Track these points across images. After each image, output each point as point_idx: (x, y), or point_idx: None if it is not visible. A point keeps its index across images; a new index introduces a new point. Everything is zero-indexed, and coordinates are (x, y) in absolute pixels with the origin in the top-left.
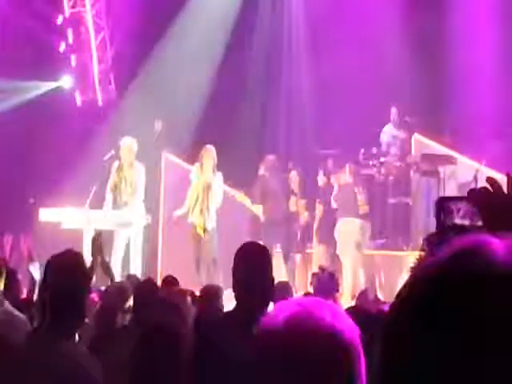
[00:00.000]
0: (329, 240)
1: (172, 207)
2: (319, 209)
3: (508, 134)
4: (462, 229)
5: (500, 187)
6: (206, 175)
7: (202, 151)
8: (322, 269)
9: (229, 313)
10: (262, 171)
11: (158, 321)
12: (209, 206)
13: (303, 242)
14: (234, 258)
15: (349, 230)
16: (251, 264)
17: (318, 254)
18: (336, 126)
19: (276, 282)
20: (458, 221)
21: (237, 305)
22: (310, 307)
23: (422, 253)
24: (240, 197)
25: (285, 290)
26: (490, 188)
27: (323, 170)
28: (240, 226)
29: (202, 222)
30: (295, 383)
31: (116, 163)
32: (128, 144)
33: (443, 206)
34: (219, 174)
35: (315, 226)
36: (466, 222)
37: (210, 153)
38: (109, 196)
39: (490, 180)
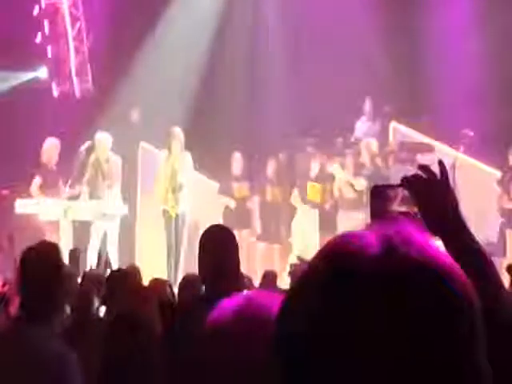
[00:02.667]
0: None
1: (149, 197)
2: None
3: (484, 121)
4: (400, 214)
5: (433, 174)
6: (174, 158)
7: (169, 135)
8: (301, 259)
9: (198, 297)
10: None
11: (122, 310)
12: (178, 187)
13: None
14: (200, 241)
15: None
16: (217, 247)
17: (297, 244)
18: (313, 114)
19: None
20: (395, 207)
21: (205, 289)
22: (256, 299)
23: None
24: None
25: (272, 278)
26: (423, 174)
27: (305, 158)
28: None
29: (173, 203)
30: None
31: (92, 157)
32: (103, 139)
33: (378, 193)
34: (188, 155)
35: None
36: (403, 209)
37: (176, 135)
38: (85, 188)
39: (422, 167)
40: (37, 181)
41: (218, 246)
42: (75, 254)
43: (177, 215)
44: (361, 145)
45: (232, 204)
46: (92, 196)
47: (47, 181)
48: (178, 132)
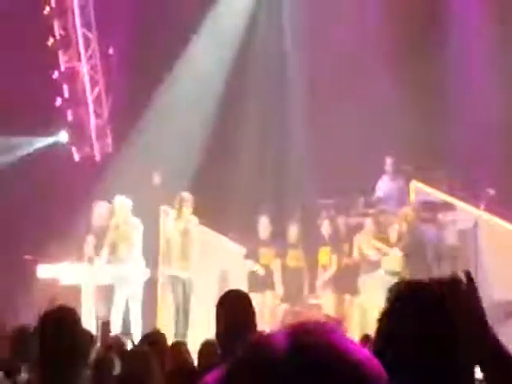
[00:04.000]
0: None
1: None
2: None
3: (504, 178)
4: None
5: (474, 285)
6: (183, 221)
7: (178, 199)
8: (330, 319)
9: (217, 364)
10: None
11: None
12: (188, 251)
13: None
14: (216, 307)
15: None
16: (233, 313)
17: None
18: (334, 175)
19: None
20: None
21: (220, 355)
22: None
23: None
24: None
25: None
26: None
27: (328, 219)
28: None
29: (181, 267)
30: None
31: (113, 221)
32: (122, 203)
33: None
34: (195, 219)
35: (328, 275)
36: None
37: (187, 200)
38: (105, 251)
39: (467, 274)
40: (91, 241)
41: (234, 311)
42: (107, 327)
43: (184, 279)
44: (398, 214)
45: (257, 268)
46: (113, 259)
47: (99, 242)
48: (188, 197)
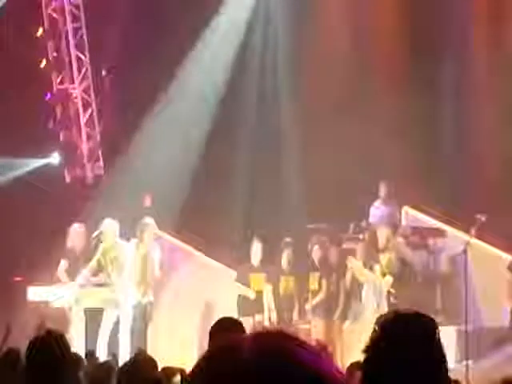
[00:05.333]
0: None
1: (161, 284)
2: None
3: (495, 205)
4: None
5: None
6: (145, 248)
7: (140, 226)
8: (319, 344)
9: None
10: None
11: None
12: (149, 277)
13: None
14: (210, 332)
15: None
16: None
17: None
18: (326, 201)
19: None
20: None
21: None
22: None
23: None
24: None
25: None
26: None
27: (318, 244)
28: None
29: (143, 291)
30: None
31: (101, 245)
32: (109, 226)
33: None
34: (157, 245)
35: (316, 300)
36: None
37: (151, 226)
38: (89, 273)
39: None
40: (63, 265)
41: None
42: (93, 355)
43: (145, 304)
44: (378, 233)
45: (248, 292)
46: (102, 282)
47: (72, 266)
48: (152, 224)
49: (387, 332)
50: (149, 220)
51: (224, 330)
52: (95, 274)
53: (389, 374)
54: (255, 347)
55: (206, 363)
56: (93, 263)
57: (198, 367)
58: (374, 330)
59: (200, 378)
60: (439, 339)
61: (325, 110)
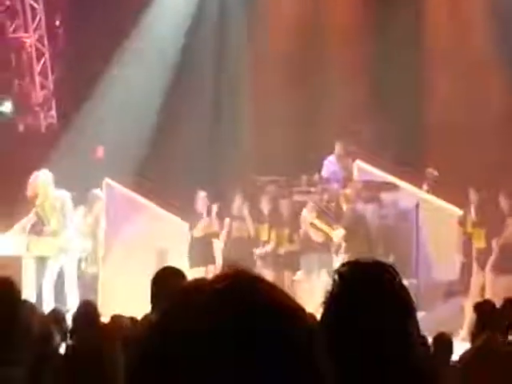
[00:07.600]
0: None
1: (113, 234)
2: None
3: (447, 160)
4: None
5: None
6: (92, 218)
7: (91, 196)
8: None
9: None
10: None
11: (84, 346)
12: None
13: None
14: (151, 284)
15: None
16: (167, 289)
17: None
18: (277, 153)
19: None
20: None
21: None
22: None
23: None
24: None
25: None
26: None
27: (268, 195)
28: None
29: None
30: None
31: (39, 196)
32: (42, 178)
33: None
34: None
35: (265, 250)
36: None
37: (99, 200)
38: (29, 224)
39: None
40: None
41: (169, 288)
42: (60, 317)
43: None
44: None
45: (198, 241)
46: (47, 233)
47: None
48: (102, 198)
49: (346, 278)
50: (100, 193)
51: (166, 278)
52: (36, 224)
53: (350, 319)
54: (227, 280)
55: (181, 297)
56: (31, 215)
57: (172, 301)
58: (333, 280)
59: (176, 311)
60: (402, 283)
61: (278, 64)
